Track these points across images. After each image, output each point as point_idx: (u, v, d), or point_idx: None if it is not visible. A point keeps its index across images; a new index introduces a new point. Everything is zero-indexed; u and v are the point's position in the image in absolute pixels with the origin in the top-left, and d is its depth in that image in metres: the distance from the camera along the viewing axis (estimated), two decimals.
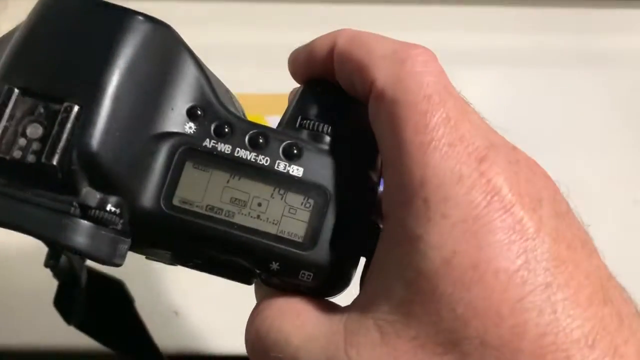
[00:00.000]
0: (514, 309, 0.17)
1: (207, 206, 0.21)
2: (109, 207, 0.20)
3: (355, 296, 0.21)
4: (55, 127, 0.19)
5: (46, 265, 0.33)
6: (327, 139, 0.22)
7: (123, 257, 0.21)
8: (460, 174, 0.18)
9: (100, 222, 0.20)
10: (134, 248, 0.22)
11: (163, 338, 0.40)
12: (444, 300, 0.18)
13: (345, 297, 0.22)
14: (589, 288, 0.18)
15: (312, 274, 0.21)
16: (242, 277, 0.23)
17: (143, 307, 0.40)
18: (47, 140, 0.19)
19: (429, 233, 0.18)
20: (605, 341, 0.17)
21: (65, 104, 0.20)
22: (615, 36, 0.55)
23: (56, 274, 0.35)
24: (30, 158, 0.19)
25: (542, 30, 0.55)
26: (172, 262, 0.23)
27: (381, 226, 0.22)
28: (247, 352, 0.22)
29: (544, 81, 0.53)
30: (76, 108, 0.20)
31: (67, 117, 0.19)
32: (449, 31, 0.54)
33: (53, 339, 0.38)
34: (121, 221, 0.21)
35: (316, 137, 0.22)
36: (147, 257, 0.24)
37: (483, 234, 0.18)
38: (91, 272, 0.36)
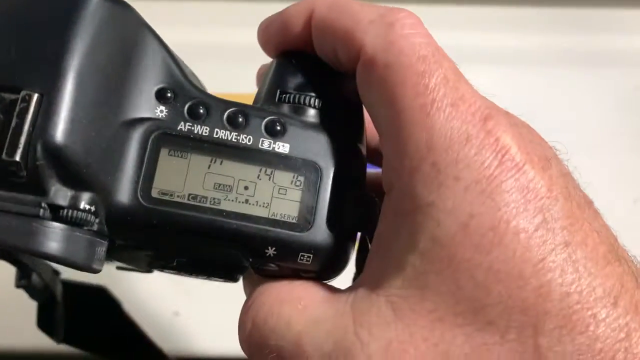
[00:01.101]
0: (537, 270, 0.17)
1: (189, 195, 0.20)
2: (82, 204, 0.18)
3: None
4: (14, 119, 0.17)
5: (17, 286, 0.31)
6: (311, 111, 0.21)
7: (102, 261, 0.20)
8: (468, 133, 0.18)
9: (73, 222, 0.18)
10: (112, 252, 0.20)
11: (163, 340, 0.39)
12: (463, 267, 0.17)
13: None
14: (603, 246, 0.18)
15: (311, 256, 0.20)
16: (228, 273, 0.22)
17: (142, 308, 0.39)
18: (6, 134, 0.17)
19: (442, 198, 0.18)
20: (626, 298, 0.17)
21: (23, 93, 0.18)
22: (616, 36, 0.56)
23: (31, 295, 0.32)
24: None
25: (543, 31, 0.55)
26: (150, 266, 0.21)
27: (377, 199, 0.21)
28: (242, 346, 0.20)
29: (544, 81, 0.53)
30: (36, 96, 0.18)
31: (27, 107, 0.17)
32: (449, 31, 0.54)
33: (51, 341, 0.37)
34: (97, 220, 0.19)
35: (298, 110, 0.21)
36: (118, 268, 0.22)
37: (498, 194, 0.17)
38: (68, 284, 0.34)
